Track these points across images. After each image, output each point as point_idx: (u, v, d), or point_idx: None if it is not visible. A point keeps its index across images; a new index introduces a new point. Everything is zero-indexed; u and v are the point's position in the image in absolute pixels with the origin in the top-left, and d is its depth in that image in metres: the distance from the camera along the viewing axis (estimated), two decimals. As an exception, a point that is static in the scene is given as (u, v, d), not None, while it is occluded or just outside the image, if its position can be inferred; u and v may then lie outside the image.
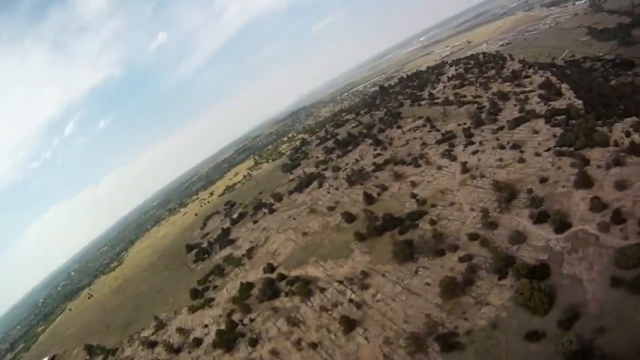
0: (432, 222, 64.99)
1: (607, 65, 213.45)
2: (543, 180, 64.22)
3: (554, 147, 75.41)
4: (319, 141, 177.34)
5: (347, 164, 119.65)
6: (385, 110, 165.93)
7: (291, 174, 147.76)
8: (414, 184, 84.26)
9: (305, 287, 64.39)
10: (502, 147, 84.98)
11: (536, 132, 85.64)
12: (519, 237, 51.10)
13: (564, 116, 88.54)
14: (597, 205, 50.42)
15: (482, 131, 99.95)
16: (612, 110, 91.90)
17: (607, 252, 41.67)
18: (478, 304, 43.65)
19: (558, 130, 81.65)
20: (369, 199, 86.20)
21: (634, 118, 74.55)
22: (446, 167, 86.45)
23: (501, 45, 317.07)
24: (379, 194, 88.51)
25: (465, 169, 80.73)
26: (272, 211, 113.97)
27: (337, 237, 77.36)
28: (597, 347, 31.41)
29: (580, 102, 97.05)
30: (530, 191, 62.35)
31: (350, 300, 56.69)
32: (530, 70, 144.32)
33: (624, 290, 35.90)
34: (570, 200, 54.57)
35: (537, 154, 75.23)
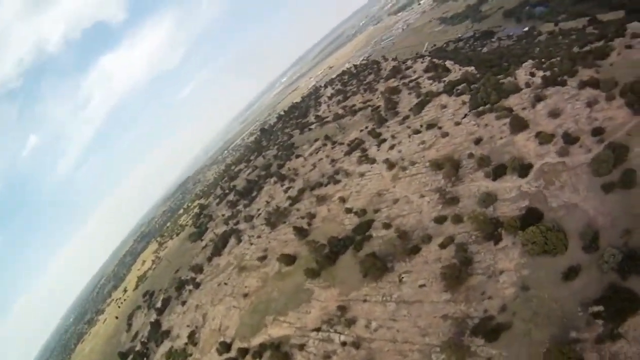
0: (387, 225, 65.86)
1: (470, 42, 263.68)
2: (478, 141, 70.97)
3: (470, 111, 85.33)
4: (218, 200, 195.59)
5: (258, 210, 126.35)
6: (276, 147, 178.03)
7: (202, 240, 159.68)
8: (343, 200, 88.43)
9: (279, 352, 62.33)
10: (417, 131, 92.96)
11: (444, 106, 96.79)
12: (488, 198, 53.28)
13: (464, 84, 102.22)
14: (545, 137, 57.19)
15: (388, 127, 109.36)
16: (500, 68, 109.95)
17: (582, 169, 46.07)
18: (492, 277, 43.50)
19: (465, 97, 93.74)
20: (300, 232, 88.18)
21: (530, 60, 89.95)
22: (369, 171, 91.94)
23: (362, 60, 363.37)
24: (309, 224, 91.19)
25: (390, 164, 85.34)
26: (197, 285, 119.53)
27: (285, 285, 78.94)
28: (638, 246, 33.64)
29: (472, 67, 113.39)
30: (471, 155, 67.68)
31: (344, 344, 53.35)
32: (409, 62, 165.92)
33: (619, 190, 40.27)
34: (517, 146, 60.77)
35: (457, 123, 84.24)
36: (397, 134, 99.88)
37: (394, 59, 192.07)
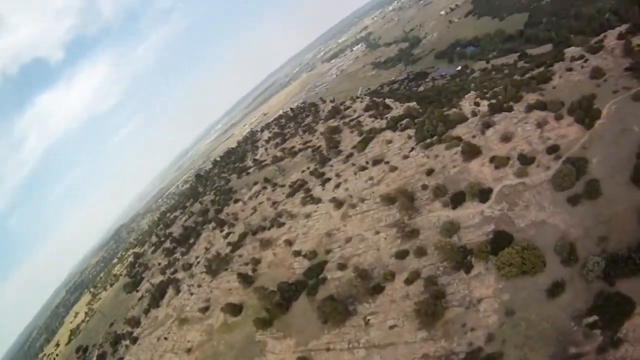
0: (342, 266, 65.43)
1: (405, 83, 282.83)
2: (430, 172, 74.60)
3: (417, 144, 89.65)
4: (154, 248, 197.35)
5: (197, 257, 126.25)
6: (213, 192, 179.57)
7: (137, 291, 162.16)
8: (290, 243, 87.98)
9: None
10: (363, 168, 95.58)
11: (390, 142, 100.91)
12: (451, 227, 54.81)
13: (407, 119, 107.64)
14: (500, 161, 61.66)
15: (331, 166, 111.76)
16: (441, 102, 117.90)
17: (543, 186, 49.42)
18: (471, 307, 43.86)
19: (410, 132, 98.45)
20: (246, 279, 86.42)
21: (473, 92, 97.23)
22: (315, 211, 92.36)
23: (298, 104, 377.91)
24: (254, 270, 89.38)
25: (338, 203, 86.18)
26: (134, 340, 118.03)
27: (233, 338, 76.60)
28: (616, 251, 36.16)
29: (414, 103, 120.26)
30: (425, 186, 70.44)
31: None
32: (347, 103, 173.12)
33: (585, 201, 43.71)
34: (472, 173, 64.51)
35: (405, 157, 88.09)
36: (342, 172, 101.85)
37: (332, 101, 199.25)
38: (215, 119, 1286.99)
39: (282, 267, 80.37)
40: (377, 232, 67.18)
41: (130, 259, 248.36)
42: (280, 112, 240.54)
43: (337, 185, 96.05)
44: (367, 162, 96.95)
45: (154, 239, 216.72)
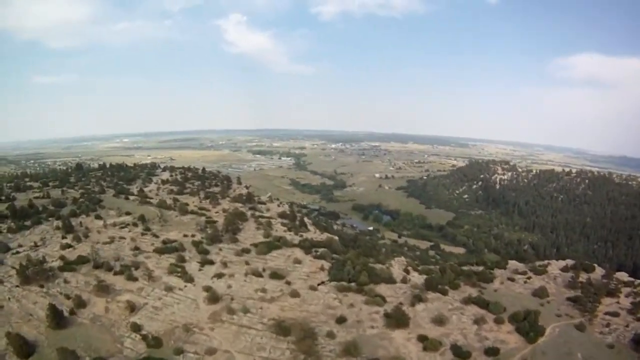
0: None
1: (314, 213, 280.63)
2: (341, 320, 62.68)
3: (329, 281, 79.04)
4: None
5: (20, 246, 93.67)
6: (82, 191, 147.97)
7: None
8: (132, 307, 66.21)
9: None
10: (257, 274, 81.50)
11: (298, 262, 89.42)
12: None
13: (324, 249, 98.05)
14: (432, 344, 55.60)
15: (220, 249, 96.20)
16: (363, 252, 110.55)
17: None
18: None
19: (325, 264, 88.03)
20: (56, 316, 60.84)
21: (403, 258, 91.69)
22: (180, 289, 74.02)
23: (211, 170, 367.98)
24: (72, 312, 64.25)
25: (213, 296, 69.95)
26: None
27: None
28: None
29: (337, 237, 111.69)
30: (331, 334, 57.99)
31: None
32: (263, 198, 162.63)
33: None
34: (394, 343, 56.00)
35: (313, 288, 76.20)
36: (231, 264, 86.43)
37: (247, 187, 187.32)
38: (128, 132, 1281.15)
39: (108, 334, 57.99)
40: (253, 362, 51.49)
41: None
42: (190, 166, 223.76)
43: (219, 276, 79.63)
44: (264, 270, 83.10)
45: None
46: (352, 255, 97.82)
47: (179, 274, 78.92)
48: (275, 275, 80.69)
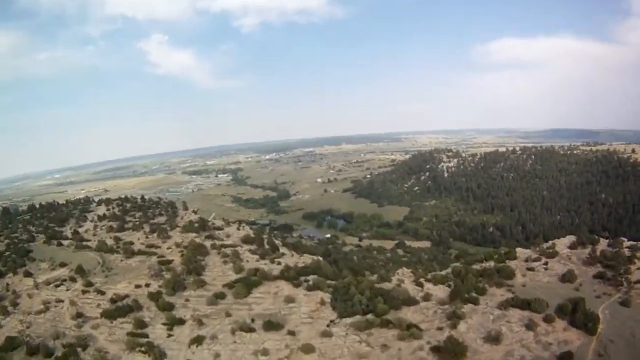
0: None
1: (267, 229, 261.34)
2: None
3: (339, 318, 62.67)
4: None
5: None
6: (7, 242, 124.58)
7: None
8: None
9: None
10: (247, 328, 62.63)
11: (291, 299, 71.41)
12: None
13: (314, 276, 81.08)
14: None
15: (187, 300, 75.57)
16: (353, 270, 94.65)
17: None
18: None
19: (324, 295, 71.28)
20: None
21: (405, 269, 78.50)
22: None
23: (150, 197, 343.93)
24: None
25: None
26: None
27: None
28: None
29: (320, 258, 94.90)
30: None
31: None
32: (217, 223, 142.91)
33: None
34: None
35: (326, 334, 58.36)
36: (207, 319, 66.60)
37: (195, 212, 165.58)
38: (59, 167, 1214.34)
39: None
40: None
41: None
42: (128, 195, 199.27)
43: (198, 341, 59.71)
44: (253, 320, 64.30)
45: None
46: (351, 277, 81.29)
47: (144, 349, 58.10)
48: (271, 325, 61.99)
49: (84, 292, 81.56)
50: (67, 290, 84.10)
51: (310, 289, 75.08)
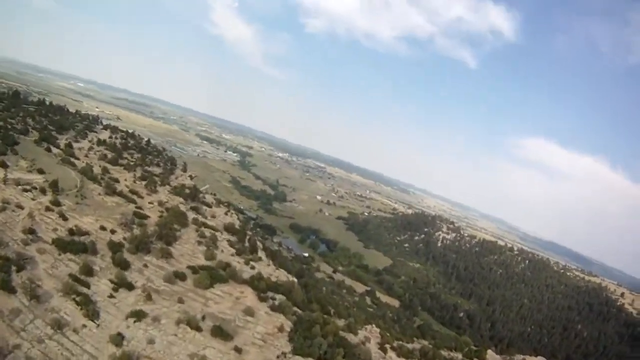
0: None
1: (248, 224, 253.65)
2: None
3: (292, 353, 56.28)
4: None
5: None
6: (1, 123, 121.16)
7: None
8: None
9: None
10: (194, 324, 56.17)
11: (250, 312, 64.38)
12: None
13: (282, 296, 74.55)
14: None
15: (145, 266, 68.90)
16: (321, 305, 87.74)
17: None
18: None
19: (286, 322, 64.43)
20: None
21: (374, 327, 69.90)
22: (75, 330, 47.93)
23: (155, 143, 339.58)
24: None
25: (123, 357, 43.40)
26: None
27: None
28: None
29: (295, 279, 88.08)
30: None
31: None
32: (208, 197, 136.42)
33: None
34: None
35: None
36: (157, 296, 60.03)
37: (191, 177, 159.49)
38: (84, 76, 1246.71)
39: None
40: None
41: None
42: (134, 132, 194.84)
43: (138, 316, 52.81)
44: (203, 318, 57.60)
45: None
46: (319, 314, 74.61)
47: (78, 300, 51.48)
48: (220, 331, 55.31)
49: (47, 209, 74.65)
50: (33, 199, 77.29)
51: (274, 308, 68.37)
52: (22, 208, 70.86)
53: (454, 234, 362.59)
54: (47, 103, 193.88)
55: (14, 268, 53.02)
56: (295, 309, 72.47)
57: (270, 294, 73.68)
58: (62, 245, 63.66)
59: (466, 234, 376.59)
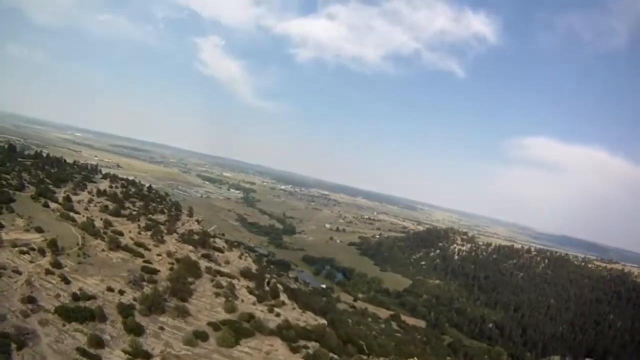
0: None
1: (264, 260, 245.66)
2: None
3: None
4: None
5: None
6: None
7: None
8: None
9: None
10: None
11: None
12: None
13: (316, 344, 66.69)
14: None
15: (161, 328, 61.52)
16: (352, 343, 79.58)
17: None
18: None
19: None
20: None
21: None
22: None
23: (157, 188, 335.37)
24: None
25: None
26: None
27: None
28: None
29: (324, 322, 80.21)
30: None
31: None
32: (218, 242, 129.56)
33: None
34: None
35: None
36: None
37: (198, 221, 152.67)
38: (82, 126, 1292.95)
39: None
40: None
41: None
42: (135, 179, 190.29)
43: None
44: (234, 382, 50.09)
45: None
46: (358, 357, 66.87)
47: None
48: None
49: (47, 272, 67.54)
50: (31, 262, 70.31)
51: (309, 358, 60.88)
52: (19, 273, 63.83)
53: (469, 245, 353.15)
54: (44, 155, 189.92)
55: (13, 346, 45.75)
56: (331, 354, 64.87)
57: (302, 342, 66.40)
58: (66, 314, 56.32)
59: (481, 243, 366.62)
